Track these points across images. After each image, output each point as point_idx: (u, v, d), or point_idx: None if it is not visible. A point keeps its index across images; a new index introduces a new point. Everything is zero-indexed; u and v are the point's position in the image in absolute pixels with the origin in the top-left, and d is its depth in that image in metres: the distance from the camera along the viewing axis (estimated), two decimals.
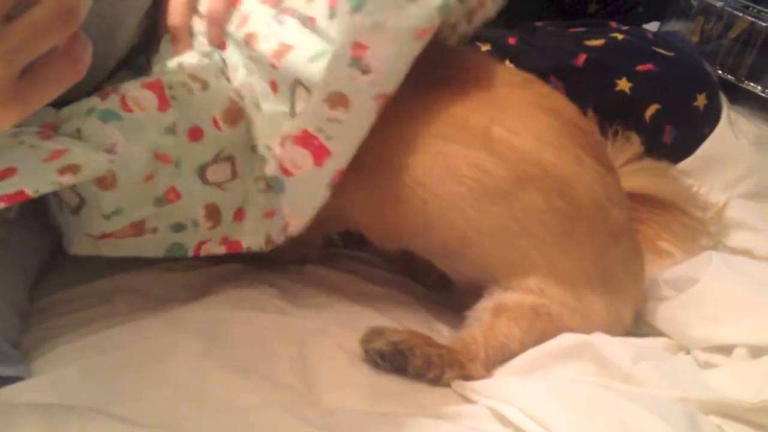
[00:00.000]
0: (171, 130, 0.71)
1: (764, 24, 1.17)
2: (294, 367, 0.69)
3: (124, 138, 0.69)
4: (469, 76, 0.79)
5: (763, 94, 1.18)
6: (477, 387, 0.72)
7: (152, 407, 0.57)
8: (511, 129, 0.75)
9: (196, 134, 0.73)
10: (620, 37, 1.14)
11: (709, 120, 1.12)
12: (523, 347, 0.76)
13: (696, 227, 0.97)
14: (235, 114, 0.75)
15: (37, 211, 0.75)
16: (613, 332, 0.78)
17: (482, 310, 0.77)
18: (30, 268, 0.74)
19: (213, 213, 0.76)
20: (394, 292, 0.87)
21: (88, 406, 0.54)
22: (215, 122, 0.74)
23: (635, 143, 0.99)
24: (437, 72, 0.77)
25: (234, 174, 0.76)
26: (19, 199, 0.58)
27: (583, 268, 0.77)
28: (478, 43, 1.12)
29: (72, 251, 0.71)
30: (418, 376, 0.72)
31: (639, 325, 0.85)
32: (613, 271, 0.79)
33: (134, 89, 0.71)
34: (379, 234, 0.84)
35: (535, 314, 0.76)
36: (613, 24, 1.22)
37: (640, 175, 0.95)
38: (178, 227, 0.74)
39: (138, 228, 0.71)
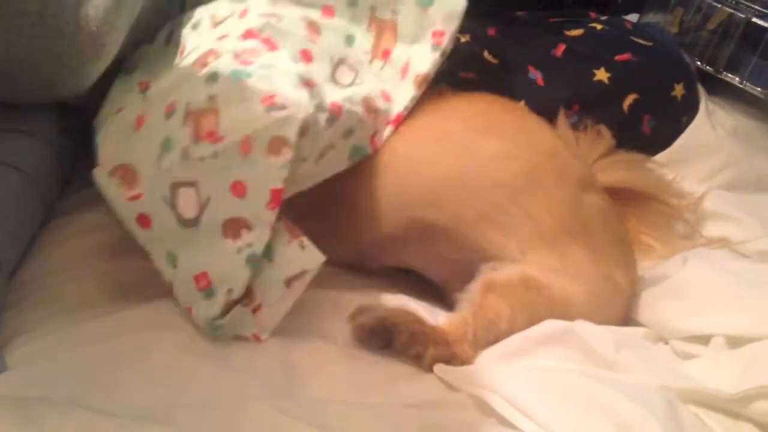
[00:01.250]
0: (294, 58, 0.78)
1: (742, 15, 1.18)
2: (275, 358, 0.69)
3: (272, 86, 0.72)
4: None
5: (741, 86, 1.19)
6: (459, 374, 0.72)
7: (132, 400, 0.57)
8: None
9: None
10: (599, 27, 1.14)
11: (687, 110, 1.12)
12: (512, 325, 0.76)
13: (673, 215, 0.98)
14: None
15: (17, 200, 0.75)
16: (608, 294, 0.80)
17: (472, 291, 0.79)
18: (6, 260, 0.72)
19: (369, 105, 0.81)
20: (378, 284, 0.87)
21: (67, 400, 0.53)
22: None
23: (606, 137, 0.99)
24: None
25: None
26: None
27: (559, 215, 0.79)
28: (458, 35, 1.12)
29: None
30: (403, 351, 0.73)
31: None
32: (592, 224, 0.81)
33: (235, 43, 0.76)
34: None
35: (525, 288, 0.77)
36: (593, 14, 1.23)
37: (615, 169, 0.96)
38: (348, 132, 0.78)
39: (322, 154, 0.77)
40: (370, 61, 0.88)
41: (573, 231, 0.79)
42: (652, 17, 1.33)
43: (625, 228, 0.87)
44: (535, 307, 0.77)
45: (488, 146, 0.82)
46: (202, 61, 0.76)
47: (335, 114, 0.76)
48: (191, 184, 0.70)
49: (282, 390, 0.64)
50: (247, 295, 0.70)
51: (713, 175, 1.09)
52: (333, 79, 0.83)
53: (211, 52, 0.77)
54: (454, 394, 0.70)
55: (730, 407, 0.65)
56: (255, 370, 0.66)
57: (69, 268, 0.77)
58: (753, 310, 0.73)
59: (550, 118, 1.04)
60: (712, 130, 1.11)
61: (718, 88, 1.21)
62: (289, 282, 0.71)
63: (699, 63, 1.21)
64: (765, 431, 0.64)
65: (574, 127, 1.02)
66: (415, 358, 0.73)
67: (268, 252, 0.71)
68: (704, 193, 1.01)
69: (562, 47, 1.10)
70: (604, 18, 1.19)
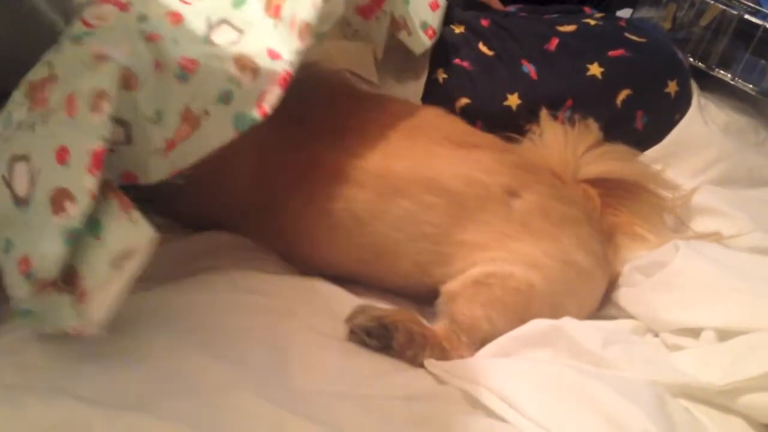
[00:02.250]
0: (143, 17, 0.69)
1: (735, 12, 1.18)
2: (264, 349, 0.68)
3: (107, 42, 0.66)
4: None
5: (733, 82, 1.19)
6: (449, 368, 0.72)
7: (119, 389, 0.56)
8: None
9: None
10: (593, 23, 1.14)
11: (679, 107, 1.13)
12: (492, 323, 0.77)
13: (663, 206, 0.99)
14: None
15: None
16: (568, 276, 0.80)
17: (441, 303, 0.80)
18: None
19: (243, 62, 0.72)
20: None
21: (51, 388, 0.52)
22: None
23: (594, 130, 0.99)
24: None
25: None
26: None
27: (496, 230, 0.80)
28: (452, 26, 1.12)
29: (152, 179, 0.68)
30: (401, 353, 0.73)
31: (608, 308, 0.86)
32: (530, 222, 0.81)
33: (87, 11, 0.69)
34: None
35: (487, 286, 0.78)
36: (587, 10, 1.22)
37: (603, 160, 0.96)
38: (224, 96, 0.70)
39: (189, 118, 0.68)
40: (263, 20, 0.78)
41: (513, 234, 0.80)
42: (645, 12, 1.33)
43: (582, 210, 0.87)
44: (505, 299, 0.78)
45: (403, 203, 0.81)
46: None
47: (187, 69, 0.68)
48: (23, 158, 0.63)
49: (270, 380, 0.64)
50: (70, 279, 0.61)
51: (705, 169, 1.09)
52: (207, 39, 0.74)
53: (69, 29, 0.71)
54: (443, 387, 0.70)
55: (719, 400, 0.65)
56: (243, 359, 0.65)
57: None
58: (743, 303, 0.73)
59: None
60: (704, 125, 1.12)
61: (711, 84, 1.21)
62: (116, 262, 0.61)
63: (691, 59, 1.21)
64: (753, 424, 0.64)
65: (565, 121, 1.01)
66: (412, 359, 0.73)
67: (95, 227, 0.62)
68: (695, 188, 1.01)
69: (555, 41, 1.10)
70: (598, 15, 1.19)
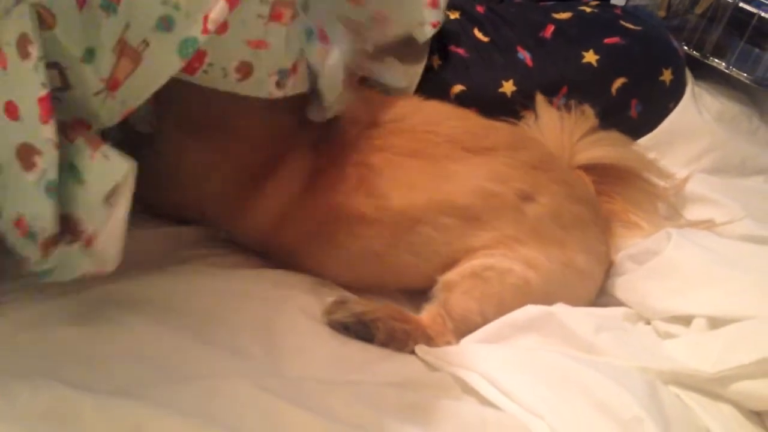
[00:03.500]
0: None
1: (730, 0, 1.18)
2: (256, 336, 0.68)
3: None
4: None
5: (727, 71, 1.19)
6: (441, 354, 0.72)
7: (110, 375, 0.56)
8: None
9: None
10: (588, 10, 1.14)
11: (674, 95, 1.12)
12: (484, 317, 0.77)
13: (656, 193, 0.99)
14: None
15: None
16: (566, 278, 0.81)
17: (437, 289, 0.79)
18: None
19: None
20: None
21: (42, 374, 0.52)
22: None
23: (590, 116, 0.99)
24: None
25: None
26: None
27: (505, 235, 0.80)
28: (447, 12, 1.11)
29: (106, 123, 0.64)
30: (384, 346, 0.73)
31: (601, 296, 0.86)
32: (539, 227, 0.81)
33: None
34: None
35: (484, 280, 0.77)
36: None
37: (598, 146, 0.96)
38: (162, 22, 0.63)
39: (127, 52, 0.62)
40: None
41: (521, 238, 0.80)
42: (640, 0, 1.32)
43: (591, 209, 0.87)
44: (502, 295, 0.78)
45: (422, 230, 0.80)
46: None
47: None
48: None
49: (262, 367, 0.64)
50: (73, 228, 0.61)
51: (698, 158, 1.09)
52: None
53: None
54: (434, 374, 0.70)
55: (709, 387, 0.66)
56: (234, 347, 0.65)
57: None
58: (734, 292, 0.73)
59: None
60: (698, 113, 1.12)
61: (705, 73, 1.21)
62: (108, 200, 0.61)
63: (686, 47, 1.21)
64: (744, 411, 0.65)
65: (561, 108, 1.01)
66: (398, 350, 0.73)
67: (75, 173, 0.61)
68: (688, 176, 1.01)
69: (551, 28, 1.10)
70: (593, 2, 1.18)
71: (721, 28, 1.20)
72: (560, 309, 0.75)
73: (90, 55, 0.62)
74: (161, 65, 0.64)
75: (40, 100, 0.58)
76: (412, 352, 0.73)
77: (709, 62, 1.21)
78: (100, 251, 0.61)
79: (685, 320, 0.75)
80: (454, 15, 1.11)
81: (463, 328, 0.77)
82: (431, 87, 1.05)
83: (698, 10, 1.24)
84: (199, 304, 0.70)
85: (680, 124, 1.10)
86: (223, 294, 0.72)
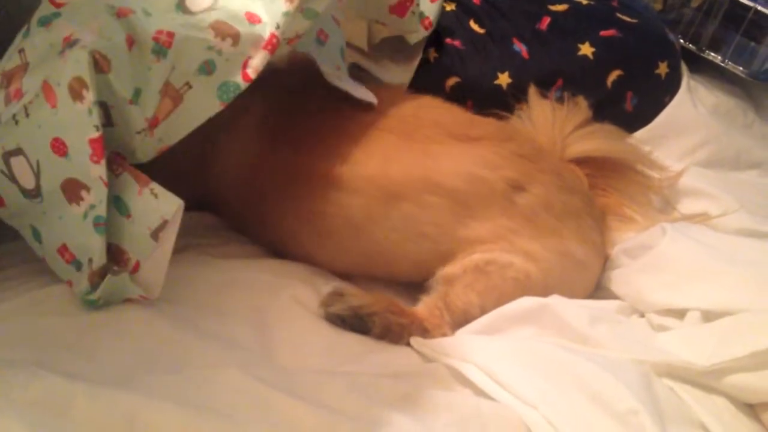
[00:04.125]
0: None
1: None
2: (250, 326, 0.68)
3: (76, 24, 0.64)
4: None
5: (723, 64, 1.19)
6: (436, 346, 0.72)
7: (102, 365, 0.56)
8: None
9: None
10: (584, 2, 1.13)
11: (669, 89, 1.12)
12: (483, 310, 0.77)
13: (650, 186, 0.99)
14: None
15: None
16: (563, 268, 0.80)
17: (436, 282, 0.79)
18: None
19: (221, 29, 0.69)
20: None
21: (34, 363, 0.51)
22: None
23: (583, 108, 0.99)
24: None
25: None
26: None
27: (500, 226, 0.79)
28: (443, 3, 1.10)
29: (141, 159, 0.67)
30: (380, 339, 0.73)
31: (596, 290, 0.86)
32: (532, 216, 0.80)
33: None
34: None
35: (485, 274, 0.77)
36: None
37: (591, 139, 0.95)
38: (205, 66, 0.68)
39: (170, 93, 0.66)
40: None
41: (516, 228, 0.79)
42: None
43: (584, 199, 0.86)
44: (503, 288, 0.77)
45: (402, 206, 0.79)
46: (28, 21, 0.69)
47: (163, 43, 0.66)
48: (18, 152, 0.64)
49: (256, 357, 0.64)
50: (119, 258, 0.65)
51: (693, 151, 1.09)
52: (181, 6, 0.71)
53: (38, 11, 0.68)
54: (429, 365, 0.70)
55: (703, 380, 0.66)
56: (230, 337, 0.65)
57: None
58: (728, 285, 0.73)
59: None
60: (693, 107, 1.12)
61: (701, 66, 1.21)
62: (154, 235, 0.64)
63: (682, 41, 1.21)
64: (737, 404, 0.65)
65: (557, 100, 1.01)
66: (394, 342, 0.73)
67: (122, 207, 0.65)
68: (683, 169, 1.01)
69: (546, 20, 1.09)
70: None
71: (717, 21, 1.20)
72: (555, 301, 0.75)
73: (137, 96, 0.65)
74: (201, 107, 0.69)
75: (92, 141, 0.61)
76: (408, 344, 0.73)
77: (704, 56, 1.21)
78: (144, 279, 0.65)
79: (680, 313, 0.75)
80: (450, 7, 1.10)
81: (461, 321, 0.77)
82: (426, 79, 1.05)
83: (694, 4, 1.24)
84: (194, 294, 0.69)
85: (675, 117, 1.10)
86: (217, 284, 0.72)
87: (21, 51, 0.65)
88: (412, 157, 0.80)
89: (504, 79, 1.05)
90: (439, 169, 0.79)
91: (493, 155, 0.81)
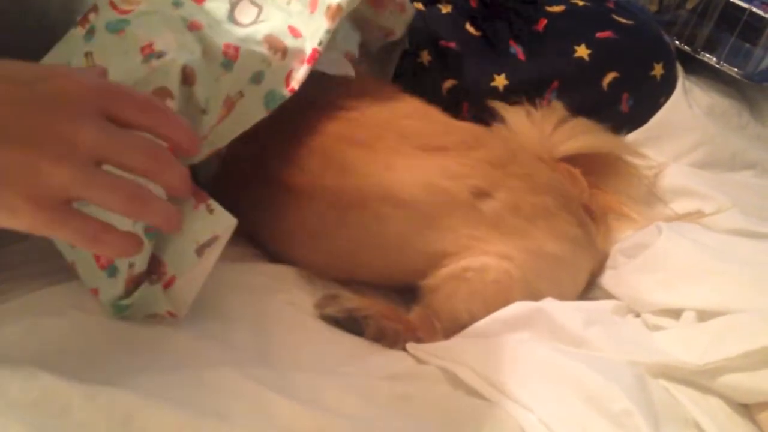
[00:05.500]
0: (176, 1, 0.69)
1: None
2: (247, 328, 0.68)
3: (152, 32, 0.65)
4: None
5: (718, 66, 1.20)
6: (430, 348, 0.72)
7: (100, 366, 0.56)
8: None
9: None
10: (581, 3, 1.14)
11: (665, 90, 1.13)
12: (472, 316, 0.77)
13: (641, 178, 1.00)
14: None
15: None
16: (541, 265, 0.79)
17: (421, 293, 0.79)
18: None
19: (273, 43, 0.73)
20: None
21: (31, 364, 0.52)
22: None
23: (558, 108, 0.99)
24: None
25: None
26: None
27: (463, 236, 0.78)
28: (439, 5, 1.11)
29: (194, 161, 0.68)
30: (375, 341, 0.73)
31: (592, 290, 0.86)
32: (499, 222, 0.79)
33: None
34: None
35: (464, 281, 0.77)
36: None
37: (574, 135, 0.95)
38: (256, 76, 0.72)
39: (228, 103, 0.69)
40: None
41: (481, 236, 0.79)
42: None
43: (558, 197, 0.84)
44: (486, 293, 0.77)
45: (355, 216, 0.79)
46: (84, 20, 0.69)
47: (231, 57, 0.70)
48: None
49: (253, 358, 0.64)
50: (156, 269, 0.65)
51: (688, 152, 1.10)
52: (232, 17, 0.75)
53: (92, 8, 0.69)
54: (424, 368, 0.70)
55: (698, 380, 0.66)
56: (227, 338, 0.65)
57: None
58: (724, 285, 0.73)
59: (531, 93, 1.04)
60: (688, 108, 1.12)
61: (696, 67, 1.21)
62: (200, 250, 0.65)
63: (677, 42, 1.22)
64: (732, 404, 0.65)
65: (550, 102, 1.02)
66: (389, 347, 0.74)
67: None
68: (663, 162, 1.01)
69: (543, 22, 1.10)
70: None
71: (712, 23, 1.20)
72: (548, 304, 0.75)
73: (207, 105, 0.67)
74: (249, 113, 0.73)
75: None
76: (404, 349, 0.74)
77: (700, 57, 1.21)
78: (176, 295, 0.64)
79: (675, 313, 0.75)
80: (446, 9, 1.11)
81: (454, 328, 0.77)
82: (423, 82, 1.05)
83: (689, 5, 1.24)
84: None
85: (671, 118, 1.10)
86: (213, 285, 0.72)
87: (88, 54, 0.66)
88: (372, 169, 0.79)
89: (500, 81, 1.06)
90: (398, 180, 0.78)
91: (457, 165, 0.80)
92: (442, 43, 1.07)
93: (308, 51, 0.76)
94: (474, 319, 0.76)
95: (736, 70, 1.18)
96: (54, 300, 0.64)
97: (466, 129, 0.90)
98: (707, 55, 1.21)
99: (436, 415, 0.61)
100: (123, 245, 0.48)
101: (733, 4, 1.18)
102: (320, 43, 0.76)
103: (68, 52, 0.68)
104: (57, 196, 0.45)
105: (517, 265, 0.78)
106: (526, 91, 1.05)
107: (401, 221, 0.78)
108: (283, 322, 0.71)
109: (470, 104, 1.06)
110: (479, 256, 0.78)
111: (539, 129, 0.94)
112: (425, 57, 1.06)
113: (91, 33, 0.67)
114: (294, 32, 0.77)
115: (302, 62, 0.76)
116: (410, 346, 0.73)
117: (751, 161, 1.12)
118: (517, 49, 1.07)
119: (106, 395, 0.50)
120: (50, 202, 0.45)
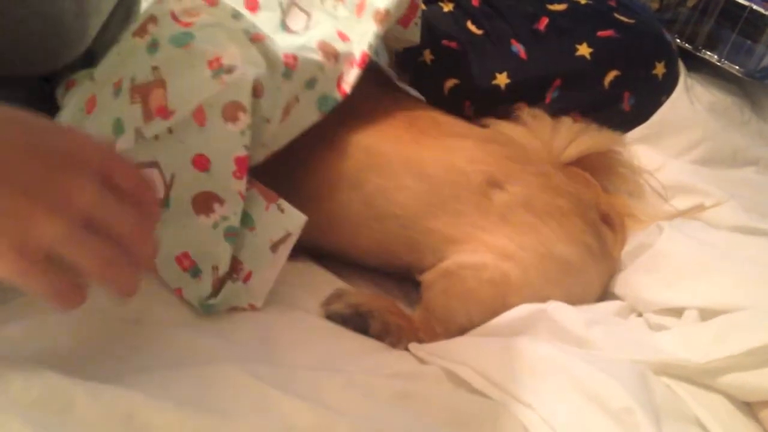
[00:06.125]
0: (236, 13, 0.71)
1: None
2: (249, 325, 0.68)
3: (218, 46, 0.67)
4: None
5: (719, 63, 1.19)
6: (432, 348, 0.72)
7: (101, 363, 0.56)
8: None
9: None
10: (582, 2, 1.13)
11: (666, 89, 1.13)
12: (469, 316, 0.77)
13: (641, 174, 0.99)
14: None
15: None
16: (547, 268, 0.78)
17: (421, 287, 0.80)
18: None
19: (326, 49, 0.76)
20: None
21: (34, 362, 0.52)
22: None
23: (541, 114, 0.99)
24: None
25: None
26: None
27: (467, 223, 0.79)
28: (441, 4, 1.11)
29: (251, 163, 0.70)
30: (379, 338, 0.74)
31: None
32: (509, 215, 0.79)
33: (173, 4, 0.70)
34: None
35: (459, 278, 0.77)
36: None
37: (573, 140, 0.95)
38: (310, 81, 0.74)
39: (285, 109, 0.72)
40: (323, 1, 0.84)
41: (487, 227, 0.78)
42: None
43: (573, 201, 0.83)
44: (480, 292, 0.77)
45: (378, 180, 0.81)
46: (142, 30, 0.71)
47: (290, 66, 0.72)
48: (152, 164, 0.67)
49: (256, 356, 0.64)
50: (235, 267, 0.68)
51: (690, 149, 1.09)
52: (284, 25, 0.79)
53: (150, 19, 0.72)
54: (426, 367, 0.70)
55: (700, 378, 0.66)
56: (231, 337, 0.65)
57: None
58: (726, 283, 0.73)
59: (533, 92, 1.05)
60: (689, 104, 1.12)
61: (697, 65, 1.21)
62: (274, 247, 0.70)
63: (678, 40, 1.21)
64: (734, 402, 0.65)
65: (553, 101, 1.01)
66: (392, 345, 0.74)
67: (247, 220, 0.69)
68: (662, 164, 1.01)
69: (544, 21, 1.09)
70: None
71: (712, 20, 1.20)
72: (551, 306, 0.75)
73: (272, 115, 0.70)
74: (303, 117, 0.75)
75: (239, 159, 0.67)
76: (406, 349, 0.74)
77: (701, 54, 1.21)
78: (254, 288, 0.69)
79: (677, 312, 0.75)
80: (447, 7, 1.11)
81: (452, 329, 0.76)
82: (425, 82, 1.05)
83: (690, 3, 1.24)
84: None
85: (672, 115, 1.10)
86: None
87: (155, 69, 0.68)
88: (402, 141, 0.81)
89: (502, 80, 1.06)
90: (423, 155, 0.80)
91: (477, 150, 0.82)
92: (444, 42, 1.07)
93: (357, 54, 0.79)
94: (470, 319, 0.76)
95: (737, 67, 1.18)
96: None
97: (480, 126, 0.92)
98: (708, 53, 1.21)
99: (438, 414, 0.61)
100: (82, 300, 0.49)
101: (734, 1, 1.17)
102: (370, 47, 0.79)
103: (131, 64, 0.69)
104: (40, 248, 0.45)
105: (519, 265, 0.77)
106: (528, 89, 1.05)
107: (417, 195, 0.79)
108: (285, 321, 0.71)
109: (472, 103, 1.05)
110: (479, 253, 0.78)
111: (540, 138, 0.94)
112: (427, 56, 1.06)
113: (154, 46, 0.69)
114: (342, 36, 0.80)
115: (352, 65, 0.78)
116: (412, 346, 0.74)
117: (753, 158, 1.12)
118: (518, 48, 1.07)
119: (108, 393, 0.50)
120: (32, 252, 0.45)
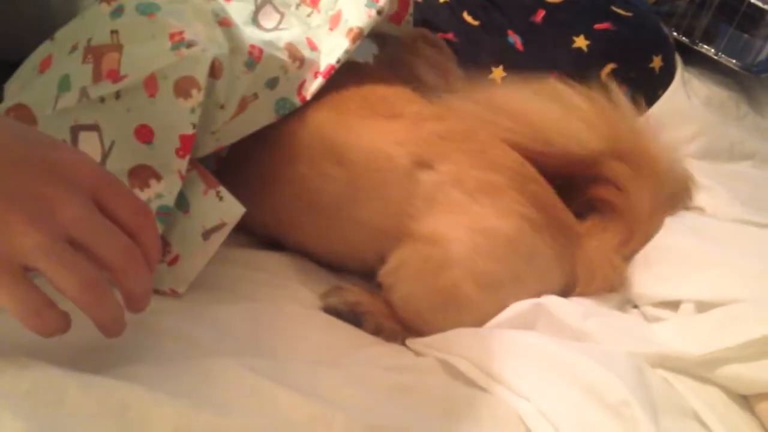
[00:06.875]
0: None
1: None
2: (246, 319, 0.68)
3: (183, 22, 0.66)
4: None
5: (716, 57, 1.19)
6: (428, 341, 0.72)
7: (95, 356, 0.55)
8: None
9: None
10: None
11: (663, 82, 1.13)
12: (433, 313, 0.75)
13: None
14: None
15: None
16: (490, 245, 0.73)
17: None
18: None
19: (293, 51, 0.75)
20: None
21: (26, 354, 0.51)
22: None
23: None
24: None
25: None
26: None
27: (393, 210, 0.76)
28: None
29: (199, 155, 0.70)
30: (373, 334, 0.74)
31: None
32: (437, 195, 0.75)
33: None
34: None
35: (402, 269, 0.74)
36: None
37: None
38: (271, 81, 0.73)
39: (242, 102, 0.70)
40: (298, 6, 0.84)
41: (413, 213, 0.75)
42: None
43: (513, 176, 0.77)
44: (424, 271, 0.74)
45: (301, 169, 0.79)
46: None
47: (254, 57, 0.71)
48: (92, 127, 0.64)
49: (252, 349, 0.64)
50: (162, 248, 0.65)
51: (686, 143, 1.10)
52: (255, 20, 0.79)
53: None
54: (423, 359, 0.70)
55: (696, 370, 0.66)
56: (226, 329, 0.65)
57: None
58: (723, 275, 0.73)
59: None
60: (686, 98, 1.12)
61: (694, 58, 1.21)
62: (206, 234, 0.67)
63: (675, 33, 1.21)
64: (731, 395, 0.65)
65: None
66: (388, 341, 0.74)
67: (182, 203, 0.67)
68: None
69: (541, 13, 1.09)
70: None
71: (710, 14, 1.20)
72: (548, 299, 0.74)
73: (226, 102, 0.68)
74: (259, 116, 0.74)
75: (184, 137, 0.64)
76: (403, 344, 0.74)
77: (698, 48, 1.21)
78: (178, 274, 0.67)
79: (674, 305, 0.75)
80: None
81: (432, 330, 0.74)
82: None
83: None
84: (189, 288, 0.69)
85: (669, 108, 1.10)
86: (213, 276, 0.72)
87: (114, 32, 0.66)
88: (326, 124, 0.78)
89: (498, 73, 1.06)
90: (347, 140, 0.77)
91: (407, 132, 0.77)
92: (440, 35, 1.06)
93: (323, 65, 0.79)
94: (435, 316, 0.74)
95: (734, 61, 1.18)
96: (47, 291, 0.63)
97: (425, 103, 0.85)
98: (705, 47, 1.21)
99: (434, 405, 0.61)
100: (57, 325, 0.47)
101: None
102: (338, 61, 0.78)
103: (90, 27, 0.67)
104: (16, 259, 0.44)
105: (455, 244, 0.72)
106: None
107: (339, 182, 0.76)
108: (281, 313, 0.71)
109: None
110: (409, 248, 0.74)
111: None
112: None
113: (119, 11, 0.67)
114: (311, 44, 0.80)
115: (316, 75, 0.78)
116: (409, 340, 0.74)
117: (750, 152, 1.12)
118: (515, 40, 1.07)
119: (101, 385, 0.49)
120: (7, 263, 0.43)
